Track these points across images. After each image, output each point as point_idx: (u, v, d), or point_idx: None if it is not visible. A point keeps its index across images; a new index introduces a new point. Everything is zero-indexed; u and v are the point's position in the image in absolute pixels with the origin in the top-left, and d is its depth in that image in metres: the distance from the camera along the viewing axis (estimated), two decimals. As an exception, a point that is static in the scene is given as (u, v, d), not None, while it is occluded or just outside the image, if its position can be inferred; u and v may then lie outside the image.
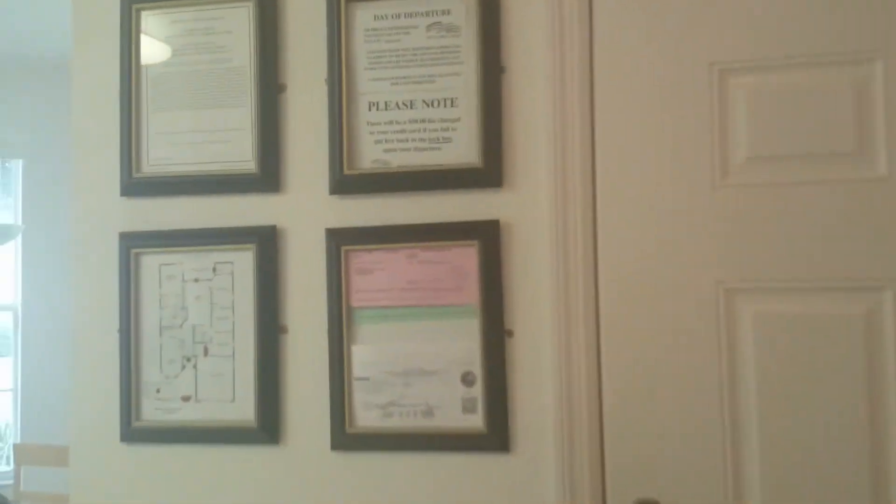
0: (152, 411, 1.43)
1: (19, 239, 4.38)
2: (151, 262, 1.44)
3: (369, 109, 1.38)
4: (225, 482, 1.41)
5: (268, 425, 1.39)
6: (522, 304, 1.32)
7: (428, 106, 1.36)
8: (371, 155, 1.37)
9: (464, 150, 1.34)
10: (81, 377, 1.47)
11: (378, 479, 1.36)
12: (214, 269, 1.43)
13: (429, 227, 1.35)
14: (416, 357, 1.34)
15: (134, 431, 1.43)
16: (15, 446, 3.60)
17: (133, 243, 1.44)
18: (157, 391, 1.43)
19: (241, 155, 1.41)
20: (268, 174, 1.41)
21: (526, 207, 1.33)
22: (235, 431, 1.40)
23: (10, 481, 3.78)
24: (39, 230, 4.34)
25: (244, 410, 1.40)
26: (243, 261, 1.41)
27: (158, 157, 1.44)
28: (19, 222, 4.29)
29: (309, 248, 1.40)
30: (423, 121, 1.36)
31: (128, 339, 1.44)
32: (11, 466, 4.36)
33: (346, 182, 1.37)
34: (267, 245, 1.40)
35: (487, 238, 1.33)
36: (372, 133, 1.37)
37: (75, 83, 1.49)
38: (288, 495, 1.38)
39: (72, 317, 1.48)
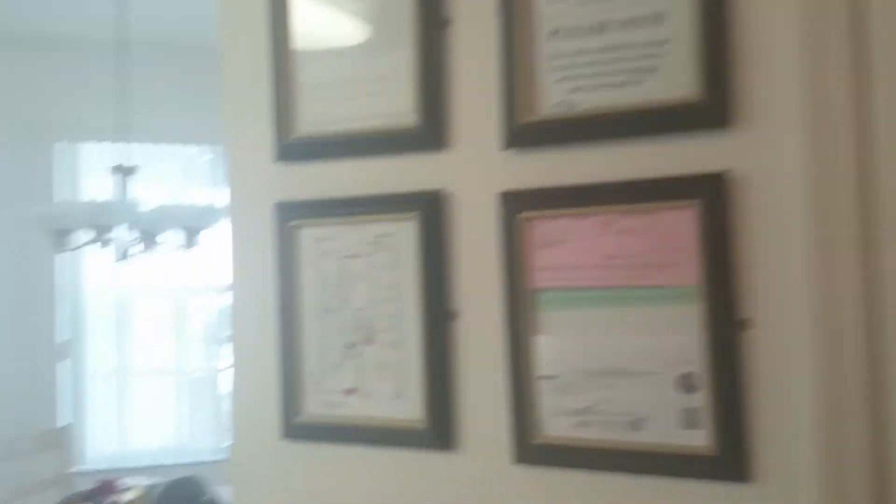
0: (314, 405, 1.26)
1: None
2: (308, 237, 1.27)
3: (549, 39, 1.09)
4: (392, 489, 1.20)
5: (439, 428, 1.16)
6: (762, 286, 0.98)
7: (625, 28, 1.05)
8: (553, 97, 1.09)
9: (674, 81, 1.02)
10: (242, 366, 1.33)
11: (572, 502, 1.08)
12: (375, 244, 1.22)
13: (630, 186, 1.05)
14: (617, 353, 1.05)
15: (295, 427, 1.27)
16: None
17: (289, 215, 1.27)
18: (319, 383, 1.26)
19: (400, 107, 1.19)
20: (431, 128, 1.17)
21: (765, 154, 0.99)
22: (403, 433, 1.19)
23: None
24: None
25: (411, 408, 1.18)
26: (406, 233, 1.19)
27: (312, 114, 1.26)
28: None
29: (480, 217, 1.15)
30: (619, 47, 1.05)
31: (287, 325, 1.28)
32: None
33: (523, 133, 1.10)
34: (431, 213, 1.17)
35: (711, 197, 1.00)
36: (553, 69, 1.09)
37: (225, 41, 1.35)
38: (464, 513, 1.15)
39: (232, 299, 1.35)
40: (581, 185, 1.08)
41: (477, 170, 1.15)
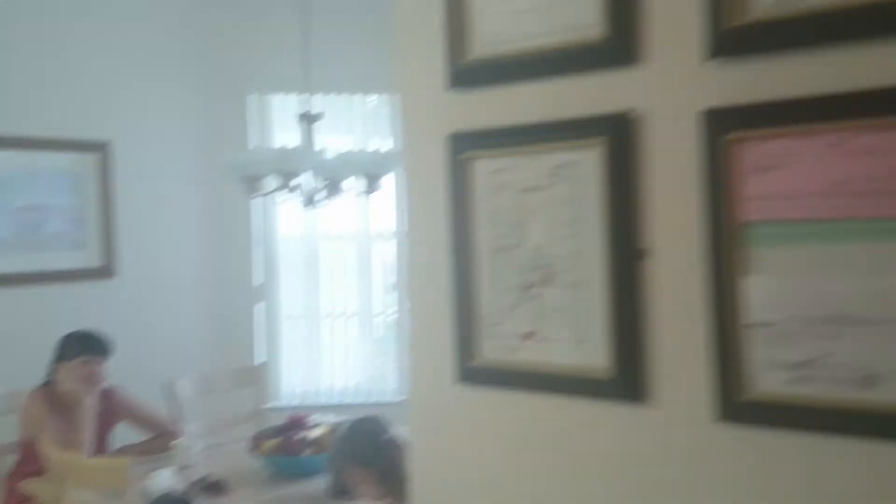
0: (490, 349, 1.18)
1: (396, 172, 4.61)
2: (482, 169, 1.17)
3: (768, -79, 0.91)
4: (572, 440, 1.11)
5: (627, 378, 1.05)
6: None
7: None
8: (771, -9, 0.91)
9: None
10: (417, 308, 1.28)
11: (786, 468, 0.93)
12: (554, 175, 1.11)
13: (869, 97, 0.86)
14: (847, 297, 0.88)
15: (470, 371, 1.20)
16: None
17: (462, 147, 1.19)
18: (495, 326, 1.18)
19: (584, 17, 1.05)
20: (620, 40, 1.03)
21: None
22: (586, 381, 1.08)
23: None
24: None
25: (595, 355, 1.07)
26: (589, 162, 1.07)
27: (487, 34, 1.15)
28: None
29: (677, 140, 1.00)
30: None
31: (461, 264, 1.20)
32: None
33: (732, 38, 0.94)
34: (620, 138, 1.04)
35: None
36: (772, -43, 0.91)
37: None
38: (650, 473, 1.04)
39: (406, 237, 1.29)
40: (805, 97, 0.90)
41: (674, 86, 1.00)
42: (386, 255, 4.61)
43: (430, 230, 1.24)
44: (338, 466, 2.59)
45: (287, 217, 4.54)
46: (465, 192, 1.19)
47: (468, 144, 1.18)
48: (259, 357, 4.51)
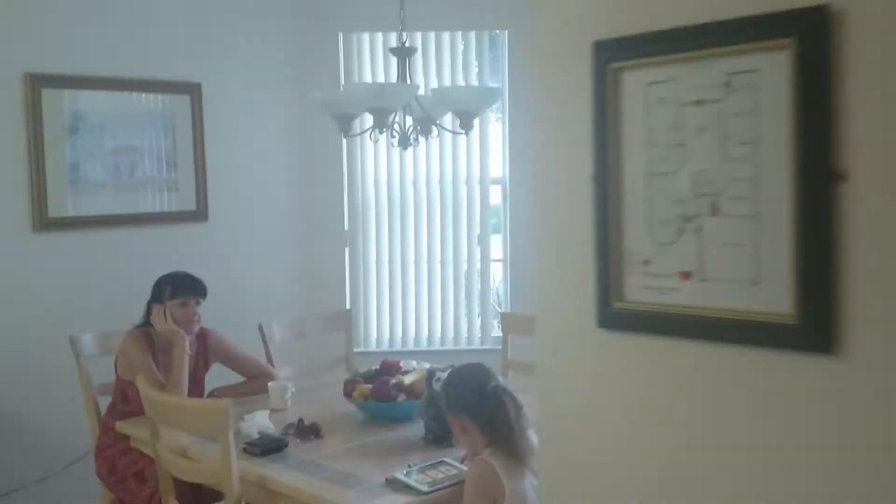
0: (638, 290, 1.03)
1: (505, 113, 4.42)
2: (635, 81, 1.01)
3: None
4: (744, 396, 0.95)
5: (815, 325, 0.88)
6: None
7: None
8: None
9: None
10: (546, 243, 1.14)
11: None
12: (727, 85, 0.94)
13: None
14: None
15: (614, 316, 1.05)
16: (502, 315, 3.70)
17: (610, 54, 1.02)
18: (645, 263, 1.03)
19: None
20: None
21: None
22: (762, 328, 0.92)
23: (499, 346, 3.93)
24: (522, 101, 4.31)
25: (774, 298, 0.91)
26: (774, 68, 0.89)
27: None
28: (505, 93, 4.30)
29: (885, 40, 0.81)
30: None
31: (604, 192, 1.05)
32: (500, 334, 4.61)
33: None
34: (813, 39, 0.86)
35: None
36: None
37: None
38: (836, 436, 0.87)
39: (532, 162, 1.14)
40: None
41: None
42: (477, 199, 4.47)
43: (567, 155, 1.09)
44: (436, 414, 2.50)
45: (378, 158, 4.43)
46: (613, 108, 1.03)
47: (618, 52, 1.02)
48: (349, 302, 4.47)
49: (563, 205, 1.10)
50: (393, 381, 2.83)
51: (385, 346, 4.48)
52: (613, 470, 1.07)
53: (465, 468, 2.22)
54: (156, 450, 2.44)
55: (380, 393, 2.79)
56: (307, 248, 4.47)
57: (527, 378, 3.20)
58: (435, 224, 4.46)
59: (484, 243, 4.50)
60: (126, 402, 2.88)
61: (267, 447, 2.48)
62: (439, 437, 2.54)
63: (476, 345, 4.51)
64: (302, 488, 2.22)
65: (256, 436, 2.58)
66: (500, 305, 4.84)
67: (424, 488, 2.17)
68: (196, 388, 2.99)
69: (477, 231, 4.49)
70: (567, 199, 1.09)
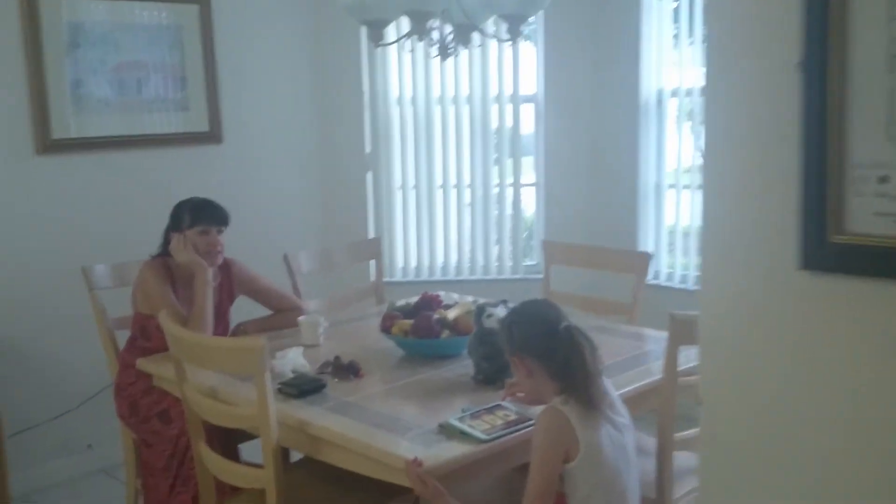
0: (869, 218, 0.77)
1: (541, 30, 4.07)
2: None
3: None
4: None
5: None
6: None
7: None
8: None
9: None
10: (722, 156, 0.87)
11: None
12: None
13: None
14: None
15: (830, 253, 0.79)
16: (544, 243, 3.44)
17: None
18: (882, 181, 0.76)
19: None
20: None
21: None
22: None
23: (539, 275, 3.69)
24: (562, 17, 3.97)
25: None
26: None
27: None
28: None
29: None
30: None
31: (820, 84, 0.77)
32: (536, 261, 4.36)
33: None
34: None
35: None
36: None
37: None
38: None
39: (708, 46, 0.86)
40: None
41: None
42: (507, 120, 4.16)
43: (759, 31, 0.81)
44: (487, 352, 2.27)
45: (401, 76, 4.10)
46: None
47: None
48: (371, 230, 4.21)
49: (753, 103, 0.82)
50: (435, 316, 2.59)
51: (412, 276, 4.25)
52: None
53: (522, 412, 2.01)
54: (183, 391, 2.22)
55: (421, 329, 2.56)
56: (327, 172, 4.19)
57: (583, 314, 2.95)
58: (464, 146, 4.16)
59: (516, 166, 4.22)
60: (147, 337, 2.65)
61: (305, 388, 2.26)
62: (491, 378, 2.31)
63: (508, 274, 4.28)
64: (348, 434, 2.00)
65: (291, 375, 2.36)
66: (530, 233, 4.59)
67: (483, 436, 1.95)
68: (220, 322, 2.75)
69: (507, 153, 4.20)
70: (759, 94, 0.81)
